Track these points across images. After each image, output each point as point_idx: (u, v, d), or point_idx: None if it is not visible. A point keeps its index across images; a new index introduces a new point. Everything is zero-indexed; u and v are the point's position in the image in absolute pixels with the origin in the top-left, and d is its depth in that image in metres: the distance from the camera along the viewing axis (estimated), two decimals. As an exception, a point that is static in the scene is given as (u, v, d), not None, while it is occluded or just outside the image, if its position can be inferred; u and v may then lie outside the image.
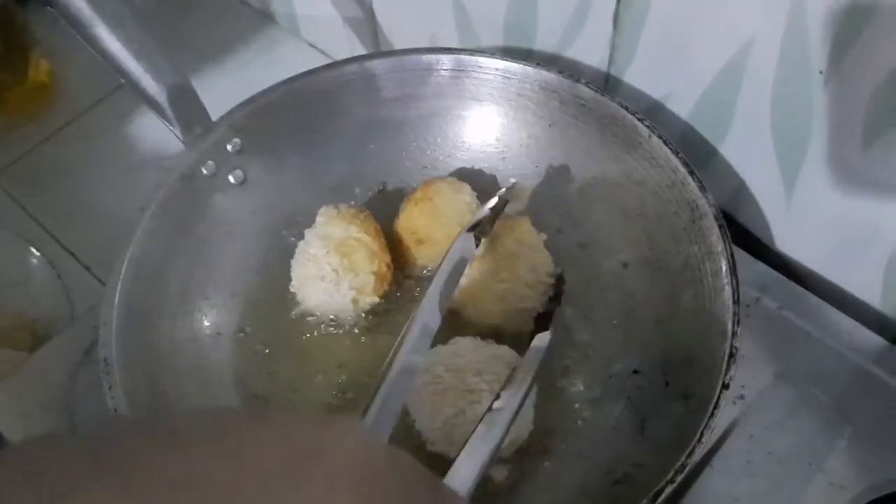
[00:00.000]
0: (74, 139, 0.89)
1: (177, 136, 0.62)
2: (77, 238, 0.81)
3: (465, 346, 0.54)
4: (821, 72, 0.55)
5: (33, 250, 0.80)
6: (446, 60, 0.66)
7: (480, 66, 0.66)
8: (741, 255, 0.65)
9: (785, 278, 0.65)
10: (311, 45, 0.94)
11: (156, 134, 0.86)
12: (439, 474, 0.55)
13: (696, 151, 0.66)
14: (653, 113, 0.67)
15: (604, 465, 0.54)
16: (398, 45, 0.84)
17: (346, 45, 0.90)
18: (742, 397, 0.59)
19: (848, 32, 0.52)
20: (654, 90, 0.67)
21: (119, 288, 0.56)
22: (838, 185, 0.59)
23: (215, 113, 0.65)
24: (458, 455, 0.48)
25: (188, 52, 0.94)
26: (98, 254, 0.80)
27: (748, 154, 0.65)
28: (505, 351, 0.55)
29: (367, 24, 0.85)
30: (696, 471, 0.57)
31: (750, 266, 0.65)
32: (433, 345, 0.55)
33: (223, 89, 0.88)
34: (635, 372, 0.58)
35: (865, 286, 0.64)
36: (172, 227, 0.61)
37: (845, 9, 0.50)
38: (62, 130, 0.90)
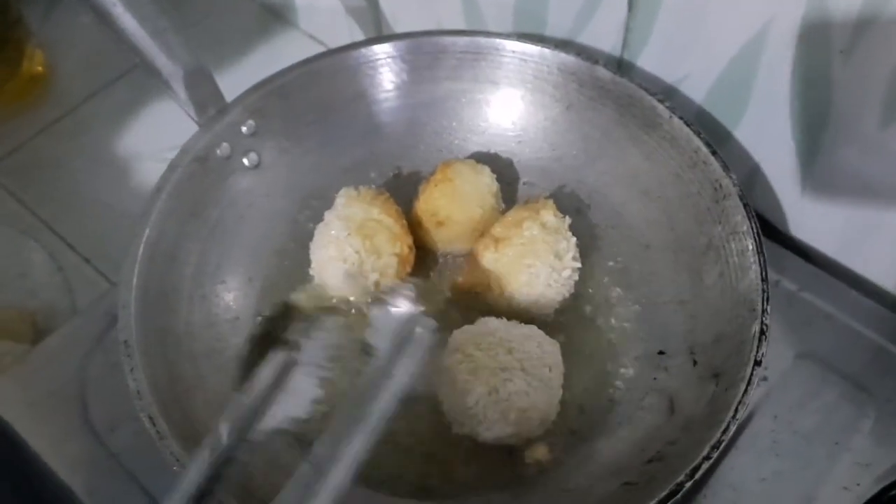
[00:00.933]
0: (70, 130, 0.87)
1: (191, 117, 0.61)
2: (76, 230, 0.79)
3: (494, 325, 0.54)
4: (842, 51, 0.55)
5: (32, 243, 0.78)
6: (463, 43, 0.66)
7: (497, 49, 0.66)
8: (760, 238, 0.65)
9: (804, 261, 0.65)
10: (311, 37, 0.93)
11: (153, 124, 0.85)
12: (465, 457, 0.54)
13: (710, 135, 0.66)
14: (666, 97, 0.67)
15: (636, 444, 0.53)
16: (403, 34, 0.83)
17: (347, 35, 0.89)
18: (765, 378, 0.59)
19: (870, 10, 0.52)
20: (669, 74, 0.67)
21: (136, 270, 0.55)
22: (855, 165, 0.59)
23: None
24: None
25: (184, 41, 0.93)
26: (97, 245, 0.78)
27: (764, 137, 0.65)
28: (534, 331, 0.54)
29: (371, 13, 0.84)
30: (722, 452, 0.56)
31: (768, 248, 0.64)
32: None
33: (221, 81, 0.88)
34: (661, 353, 0.58)
35: (879, 270, 0.64)
36: (187, 210, 0.60)
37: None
38: (58, 122, 0.88)
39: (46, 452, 0.56)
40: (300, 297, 0.57)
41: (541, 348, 0.53)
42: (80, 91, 0.90)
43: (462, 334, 0.54)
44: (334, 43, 0.90)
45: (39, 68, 0.91)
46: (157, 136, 0.69)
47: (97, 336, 0.61)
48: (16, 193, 0.82)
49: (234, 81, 0.65)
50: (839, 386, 0.59)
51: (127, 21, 0.56)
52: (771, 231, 0.69)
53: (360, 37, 0.87)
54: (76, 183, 0.83)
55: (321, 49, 0.91)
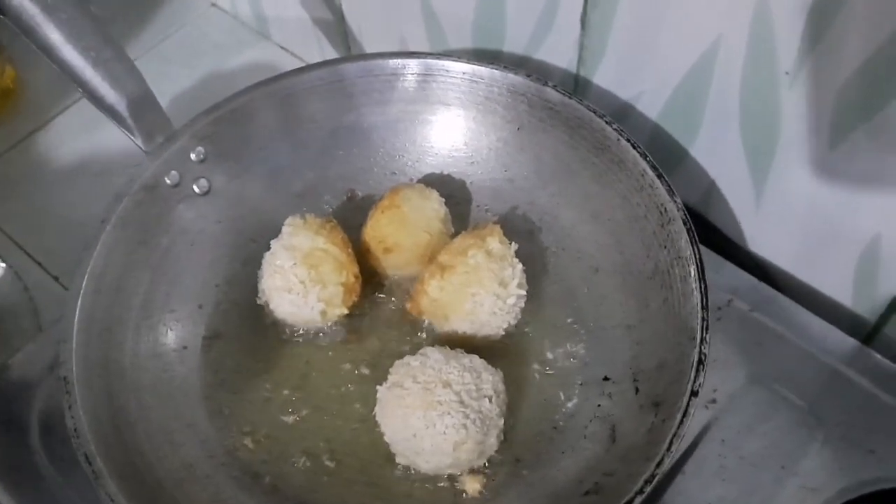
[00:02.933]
0: (41, 146, 0.87)
1: (138, 146, 0.61)
2: (44, 247, 0.80)
3: (433, 357, 0.54)
4: (787, 72, 0.54)
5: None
6: (413, 65, 0.66)
7: (447, 70, 0.65)
8: (712, 258, 0.65)
9: (756, 280, 0.65)
10: (282, 48, 0.93)
11: (124, 141, 0.85)
12: (407, 488, 0.54)
13: (666, 152, 0.66)
14: (623, 114, 0.67)
15: (575, 475, 0.53)
16: (368, 48, 0.83)
17: (317, 47, 0.89)
18: (714, 401, 0.59)
19: (812, 33, 0.51)
20: (624, 91, 0.67)
21: (79, 303, 0.55)
22: (807, 184, 0.59)
23: (186, 116, 0.64)
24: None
25: (157, 55, 0.93)
26: (66, 263, 0.78)
27: (718, 154, 0.64)
28: (475, 361, 0.54)
29: (337, 27, 0.84)
30: (668, 477, 0.56)
31: (721, 268, 0.65)
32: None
33: (193, 92, 0.88)
34: (606, 379, 0.57)
35: (837, 285, 0.64)
36: (135, 240, 0.60)
37: (809, 8, 0.50)
38: (28, 138, 0.88)
39: (-5, 483, 0.57)
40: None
41: (480, 379, 0.53)
42: (51, 106, 0.90)
43: (401, 367, 0.54)
44: (305, 55, 0.91)
45: (10, 84, 0.91)
46: (128, 152, 0.69)
47: (49, 363, 0.62)
48: (-16, 210, 0.83)
49: (205, 93, 0.65)
50: (789, 409, 0.59)
51: (67, 52, 0.57)
52: (728, 246, 0.69)
53: (329, 49, 0.87)
54: (46, 199, 0.83)
55: (293, 60, 0.92)
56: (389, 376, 0.54)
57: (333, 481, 0.55)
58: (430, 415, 0.51)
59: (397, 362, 0.55)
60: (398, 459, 0.55)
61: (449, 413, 0.51)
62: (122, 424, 0.53)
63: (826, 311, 0.64)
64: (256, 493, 0.54)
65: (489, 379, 0.54)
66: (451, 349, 0.56)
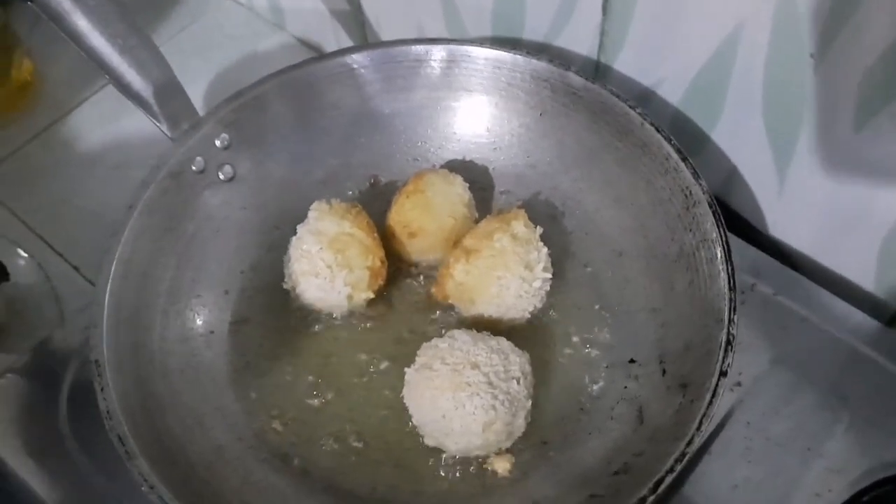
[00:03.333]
0: (60, 139, 0.88)
1: (164, 133, 0.61)
2: (65, 238, 0.80)
3: (461, 339, 0.54)
4: (812, 55, 0.54)
5: (21, 252, 0.78)
6: (436, 51, 0.66)
7: (470, 56, 0.65)
8: (735, 242, 0.65)
9: (780, 264, 0.65)
10: (298, 39, 0.94)
11: (142, 132, 0.85)
12: (435, 469, 0.55)
13: (687, 138, 0.66)
14: (644, 100, 0.67)
15: (603, 455, 0.53)
16: (385, 37, 0.83)
17: (333, 38, 0.89)
18: (739, 384, 0.59)
19: (838, 14, 0.51)
20: (645, 77, 0.67)
21: (108, 289, 0.55)
22: (831, 167, 0.59)
23: (202, 109, 0.64)
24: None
25: (174, 47, 0.93)
26: (86, 254, 0.79)
27: (740, 139, 0.64)
28: (502, 343, 0.55)
29: (354, 17, 0.84)
30: (694, 458, 0.57)
31: (744, 252, 0.65)
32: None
33: (210, 84, 0.88)
34: (632, 361, 0.58)
35: (859, 269, 0.64)
36: (161, 226, 0.60)
37: (836, -9, 0.50)
38: (47, 130, 0.88)
39: (24, 469, 0.58)
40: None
41: (508, 361, 0.53)
42: (70, 99, 0.90)
43: (429, 349, 0.55)
44: (322, 45, 0.91)
45: (28, 77, 0.91)
46: (147, 143, 0.69)
47: (77, 350, 0.62)
48: (5, 202, 0.83)
49: (223, 85, 0.66)
50: (813, 391, 0.59)
51: (95, 39, 0.57)
52: (750, 231, 0.69)
53: (345, 39, 0.87)
54: (65, 191, 0.83)
55: (309, 52, 0.92)
56: (417, 358, 0.55)
57: (361, 463, 0.56)
58: (459, 396, 0.51)
59: (425, 344, 0.55)
60: (427, 441, 0.55)
61: (478, 394, 0.51)
62: (153, 407, 0.54)
63: (849, 294, 0.64)
64: (286, 475, 0.55)
65: (517, 361, 0.54)
66: (478, 332, 0.56)
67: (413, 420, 0.55)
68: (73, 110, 0.90)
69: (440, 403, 0.52)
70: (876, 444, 0.57)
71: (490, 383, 0.52)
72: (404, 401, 0.55)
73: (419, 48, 0.66)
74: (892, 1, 0.49)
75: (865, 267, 0.63)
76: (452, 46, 0.66)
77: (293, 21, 0.93)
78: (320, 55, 0.67)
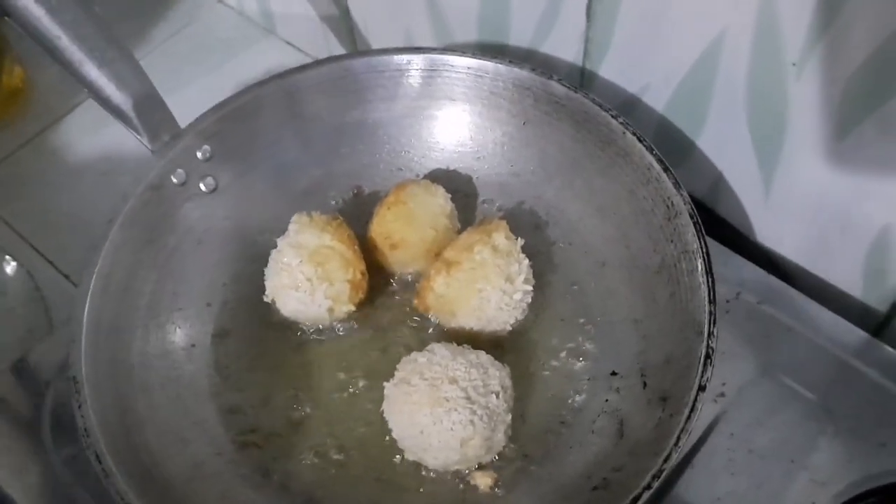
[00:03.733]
0: (51, 145, 0.88)
1: (145, 145, 0.61)
2: (55, 245, 0.80)
3: (440, 353, 0.54)
4: (794, 64, 0.54)
5: (9, 259, 0.79)
6: (418, 60, 0.65)
7: (452, 65, 0.65)
8: (720, 251, 0.65)
9: (765, 273, 0.64)
10: (288, 43, 0.93)
11: (134, 138, 0.86)
12: (416, 483, 0.55)
13: (673, 145, 0.66)
14: (629, 107, 0.67)
15: (584, 470, 0.53)
16: (374, 42, 0.83)
17: (323, 42, 0.89)
18: (723, 395, 0.59)
19: (818, 24, 0.51)
20: (630, 84, 0.66)
21: (87, 304, 0.55)
22: (816, 175, 0.59)
23: (194, 113, 0.64)
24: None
25: (165, 52, 0.93)
26: (76, 261, 0.78)
27: (726, 146, 0.64)
28: (482, 357, 0.54)
29: (343, 22, 0.84)
30: (677, 470, 0.56)
31: (729, 261, 0.64)
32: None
33: (201, 89, 0.88)
34: (613, 374, 0.57)
35: (846, 277, 0.64)
36: (142, 239, 0.60)
37: None
38: (38, 137, 0.89)
39: (7, 482, 0.58)
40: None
41: (487, 375, 0.53)
42: (61, 105, 0.90)
43: (408, 363, 0.54)
44: (312, 50, 0.91)
45: (19, 84, 0.91)
46: (139, 150, 0.69)
47: (60, 363, 0.62)
48: (-5, 209, 0.83)
49: (213, 89, 0.65)
50: (798, 402, 0.58)
51: (73, 53, 0.57)
52: (737, 239, 0.68)
53: (335, 44, 0.87)
54: (56, 198, 0.83)
55: (300, 56, 0.92)
56: (396, 373, 0.55)
57: (342, 478, 0.55)
58: (437, 411, 0.51)
59: (404, 359, 0.55)
60: (407, 455, 0.55)
61: (456, 409, 0.51)
62: (132, 423, 0.54)
63: (835, 303, 0.63)
64: (265, 491, 0.54)
65: (496, 374, 0.54)
66: (459, 345, 0.56)
67: (393, 434, 0.55)
68: (64, 117, 0.90)
69: (418, 419, 0.52)
70: (861, 455, 0.56)
71: (468, 398, 0.52)
72: (384, 415, 0.55)
73: (401, 58, 0.65)
74: (872, 11, 0.48)
75: (852, 274, 0.63)
76: (434, 56, 0.65)
77: (283, 26, 0.93)
78: (302, 65, 0.66)
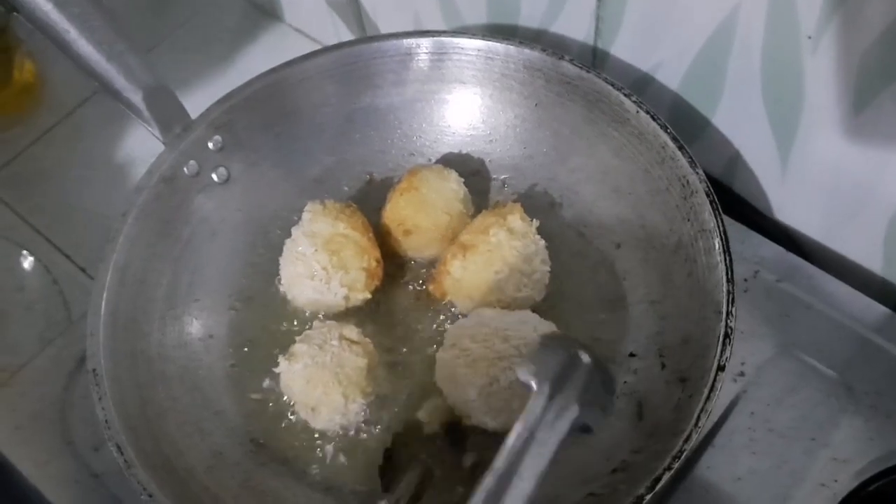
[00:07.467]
0: (63, 140, 0.88)
1: (156, 137, 0.61)
2: (71, 240, 0.80)
3: (487, 315, 0.54)
4: (809, 37, 0.53)
5: (27, 254, 0.79)
6: (427, 44, 0.65)
7: (462, 48, 0.64)
8: (738, 229, 0.64)
9: (783, 250, 0.64)
10: (296, 30, 0.93)
11: (146, 131, 0.86)
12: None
13: (688, 122, 0.65)
14: (643, 85, 0.66)
15: (604, 452, 0.53)
16: (382, 27, 0.82)
17: (331, 28, 0.88)
18: (742, 374, 0.58)
19: (834, -4, 0.50)
20: (643, 62, 0.65)
21: (104, 297, 0.56)
22: (833, 149, 0.58)
23: (204, 103, 0.64)
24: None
25: (172, 44, 0.93)
26: (92, 254, 0.79)
27: (741, 123, 0.63)
28: (529, 315, 0.54)
29: (351, 7, 0.83)
30: (698, 450, 0.56)
31: (747, 239, 0.64)
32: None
33: (210, 79, 0.88)
34: (632, 355, 0.57)
35: (866, 252, 0.63)
36: (156, 231, 0.60)
37: (832, -29, 0.49)
38: (50, 131, 0.89)
39: (32, 473, 0.58)
40: (424, 415, 0.56)
41: (537, 331, 0.53)
42: (72, 99, 0.90)
43: (456, 329, 0.55)
44: (320, 37, 0.91)
45: (30, 79, 0.91)
46: (151, 141, 0.69)
47: (79, 357, 0.63)
48: (10, 204, 0.83)
49: (223, 79, 0.65)
50: (818, 380, 0.58)
51: (82, 46, 0.57)
52: (755, 216, 0.68)
53: (343, 29, 0.87)
54: (71, 192, 0.84)
55: (308, 43, 0.92)
56: (446, 340, 0.55)
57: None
58: (493, 371, 0.51)
59: (450, 327, 0.56)
60: (466, 421, 0.54)
61: (511, 367, 0.51)
62: (152, 414, 0.54)
63: (855, 279, 0.63)
64: (286, 479, 0.55)
65: (546, 330, 0.54)
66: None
67: (449, 401, 0.55)
68: (76, 110, 0.90)
69: (475, 381, 0.51)
70: (882, 433, 0.56)
71: (522, 355, 0.51)
72: (437, 384, 0.55)
73: (409, 41, 0.65)
74: (889, -19, 0.47)
75: (872, 249, 0.62)
76: (443, 38, 0.65)
77: (291, 12, 0.92)
78: (309, 53, 0.66)
